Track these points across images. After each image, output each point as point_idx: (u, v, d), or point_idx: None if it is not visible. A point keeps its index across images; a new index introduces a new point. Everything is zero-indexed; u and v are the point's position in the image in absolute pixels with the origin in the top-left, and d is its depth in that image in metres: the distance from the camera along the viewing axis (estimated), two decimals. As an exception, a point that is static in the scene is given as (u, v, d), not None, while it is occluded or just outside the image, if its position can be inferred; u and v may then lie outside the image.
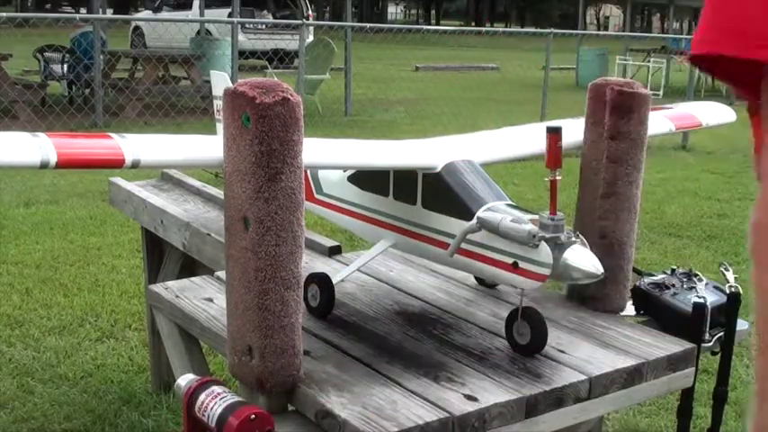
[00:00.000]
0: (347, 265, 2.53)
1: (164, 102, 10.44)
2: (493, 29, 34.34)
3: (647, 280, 2.41)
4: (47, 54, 12.33)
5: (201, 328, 2.23)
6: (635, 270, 2.41)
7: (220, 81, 2.67)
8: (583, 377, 1.92)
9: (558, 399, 1.87)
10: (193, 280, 2.54)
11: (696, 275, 2.39)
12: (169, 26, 14.63)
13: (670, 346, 2.12)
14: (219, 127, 2.44)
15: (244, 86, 1.70)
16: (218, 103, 2.65)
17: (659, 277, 2.42)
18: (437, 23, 58.92)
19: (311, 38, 14.73)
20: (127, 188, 3.44)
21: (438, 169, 2.06)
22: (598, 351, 2.06)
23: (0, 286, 4.73)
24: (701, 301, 2.24)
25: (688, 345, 2.13)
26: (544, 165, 1.87)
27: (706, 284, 2.36)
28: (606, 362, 2.00)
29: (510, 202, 2.00)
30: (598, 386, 1.94)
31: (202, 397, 1.79)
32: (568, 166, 2.01)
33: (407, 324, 2.21)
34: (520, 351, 2.01)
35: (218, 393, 1.78)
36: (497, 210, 1.94)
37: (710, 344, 2.25)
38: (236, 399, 1.77)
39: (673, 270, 2.46)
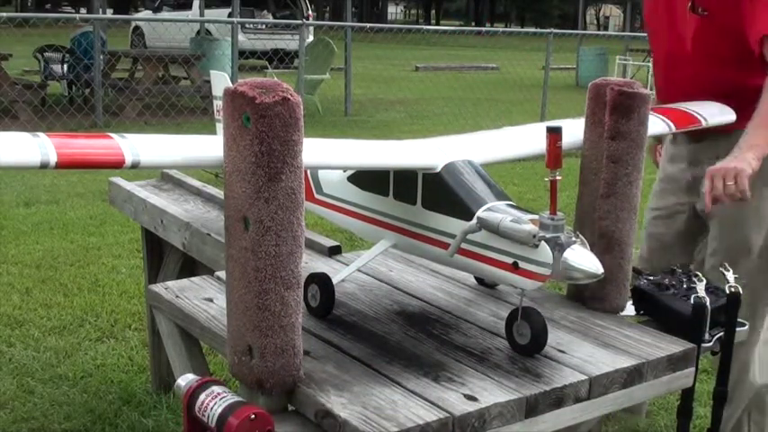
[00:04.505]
0: (347, 265, 2.53)
1: (164, 102, 10.45)
2: (493, 29, 34.27)
3: (646, 280, 2.41)
4: (47, 54, 12.35)
5: (201, 328, 2.23)
6: (635, 270, 2.41)
7: (220, 81, 2.66)
8: (583, 377, 1.92)
9: (558, 399, 1.87)
10: (193, 280, 2.54)
11: (696, 275, 2.39)
12: (169, 26, 14.65)
13: (670, 346, 2.12)
14: (219, 127, 2.44)
15: (244, 86, 1.69)
16: (218, 103, 2.64)
17: (659, 277, 2.42)
18: (437, 23, 58.98)
19: (311, 38, 14.75)
20: (127, 188, 3.43)
21: (438, 169, 2.06)
22: (598, 351, 2.06)
23: (0, 286, 4.73)
24: (701, 301, 2.24)
25: (688, 345, 2.13)
26: (544, 165, 1.87)
27: (706, 285, 2.35)
28: (606, 362, 2.00)
29: (510, 202, 2.00)
30: (598, 386, 1.94)
31: (202, 397, 1.79)
32: (568, 166, 2.01)
33: (407, 324, 2.21)
34: (520, 351, 2.01)
35: (218, 393, 1.78)
36: (497, 210, 1.93)
37: (710, 344, 2.25)
38: (236, 399, 1.77)
39: (673, 270, 2.45)
